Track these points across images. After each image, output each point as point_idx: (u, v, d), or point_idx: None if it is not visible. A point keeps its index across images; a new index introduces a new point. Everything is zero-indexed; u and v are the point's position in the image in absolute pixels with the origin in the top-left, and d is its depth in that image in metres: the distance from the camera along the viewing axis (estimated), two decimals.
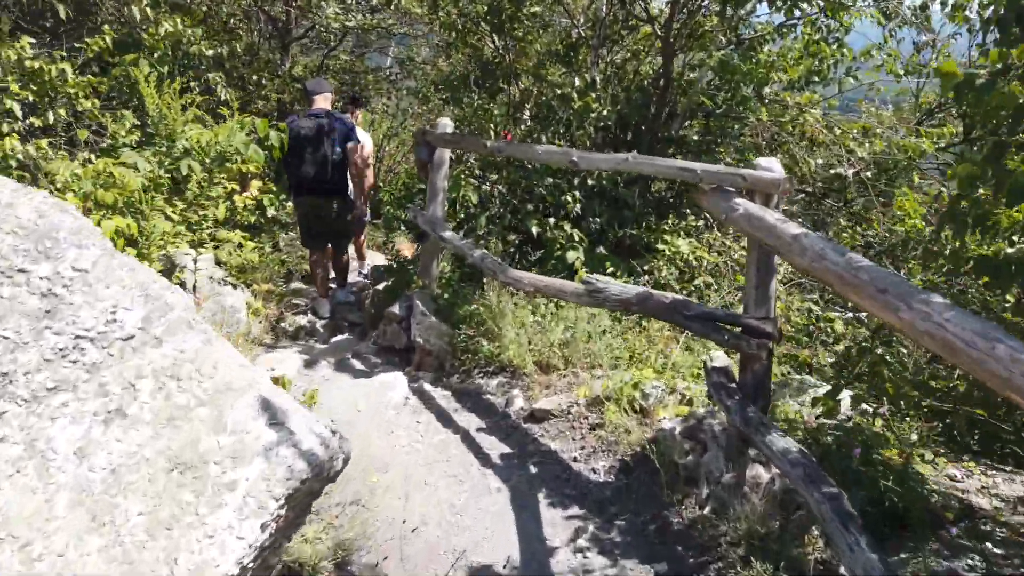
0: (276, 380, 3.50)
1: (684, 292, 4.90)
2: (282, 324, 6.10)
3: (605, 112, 5.66)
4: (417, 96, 13.03)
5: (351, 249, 6.57)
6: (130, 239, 4.33)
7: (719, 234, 5.36)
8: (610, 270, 5.29)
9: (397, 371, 4.75)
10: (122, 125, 4.58)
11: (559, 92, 5.81)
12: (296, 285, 7.88)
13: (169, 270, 4.75)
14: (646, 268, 5.20)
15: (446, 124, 4.99)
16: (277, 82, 10.14)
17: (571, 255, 5.27)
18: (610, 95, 6.11)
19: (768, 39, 6.21)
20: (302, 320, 6.77)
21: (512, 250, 5.46)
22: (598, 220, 5.53)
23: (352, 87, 11.14)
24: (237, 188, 6.97)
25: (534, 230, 5.23)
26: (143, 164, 4.84)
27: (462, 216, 5.80)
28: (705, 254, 5.01)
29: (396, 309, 5.14)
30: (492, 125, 5.79)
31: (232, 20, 8.97)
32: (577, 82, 5.69)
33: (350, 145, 5.43)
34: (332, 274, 6.57)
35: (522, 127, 6.28)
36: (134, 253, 4.29)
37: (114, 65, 5.40)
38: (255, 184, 7.16)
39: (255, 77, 9.75)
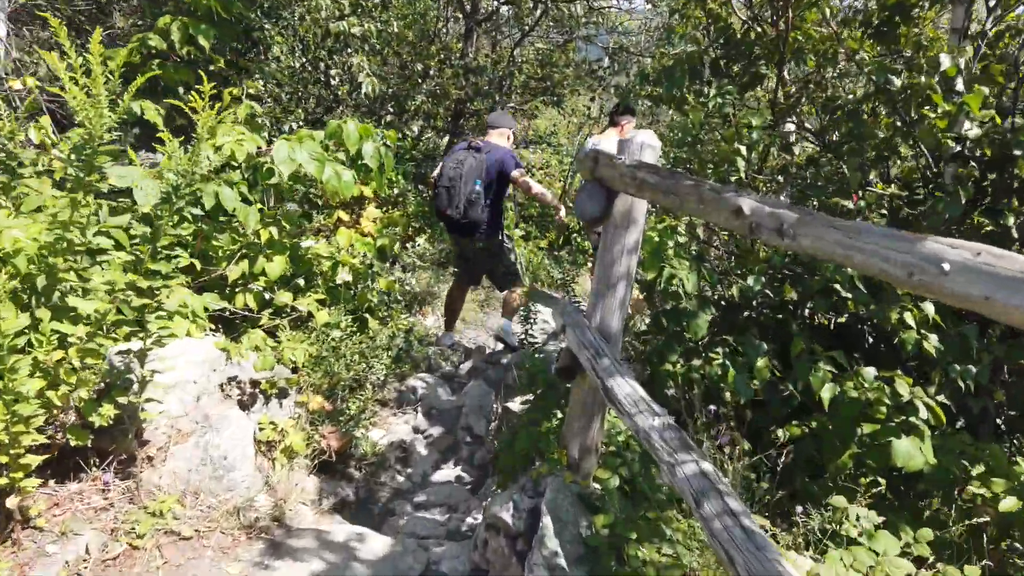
0: None
1: None
2: (359, 448, 3.82)
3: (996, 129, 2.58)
4: (626, 94, 10.34)
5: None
6: None
7: None
8: (1004, 501, 2.26)
9: None
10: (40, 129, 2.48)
11: (887, 86, 2.83)
12: (457, 344, 5.65)
13: (118, 385, 2.60)
14: None
15: (642, 141, 2.29)
16: (449, 73, 8.05)
17: (902, 447, 2.32)
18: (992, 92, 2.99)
19: None
20: (402, 427, 4.48)
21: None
22: (970, 371, 2.48)
23: (543, 82, 8.75)
24: (344, 219, 4.87)
25: (825, 395, 2.35)
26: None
27: (663, 314, 3.06)
28: None
29: (506, 514, 2.55)
30: (743, 149, 2.92)
31: None
32: (945, 62, 2.65)
33: (515, 174, 4.68)
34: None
35: (793, 153, 3.36)
36: (12, 363, 2.17)
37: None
38: (372, 215, 5.00)
39: (420, 66, 7.73)
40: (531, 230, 9.43)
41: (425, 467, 4.07)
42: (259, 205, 3.65)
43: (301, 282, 4.03)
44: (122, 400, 2.51)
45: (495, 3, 9.12)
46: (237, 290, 3.66)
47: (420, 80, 7.86)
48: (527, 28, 9.34)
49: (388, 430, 4.36)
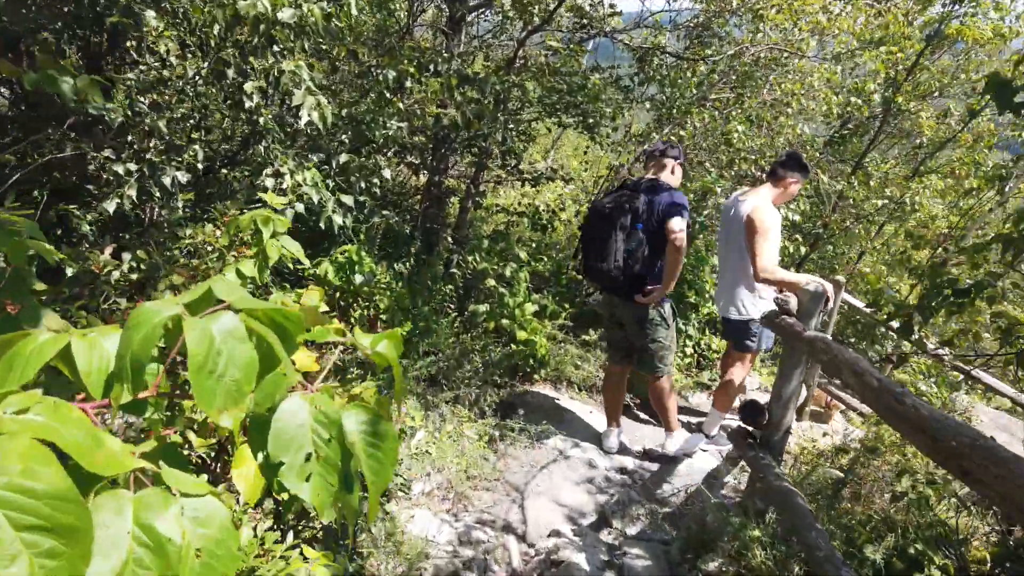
0: None
1: None
2: None
3: None
4: (665, 110, 7.70)
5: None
6: None
7: None
8: None
9: None
10: None
11: None
12: None
13: None
14: None
15: None
16: (436, 84, 5.26)
17: None
18: None
19: None
20: None
21: None
22: None
23: (570, 96, 6.02)
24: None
25: None
26: None
27: None
28: None
29: None
30: None
31: None
32: None
33: (672, 224, 3.66)
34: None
35: None
36: None
37: None
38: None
39: (392, 74, 4.92)
40: (548, 302, 6.60)
41: None
42: None
43: None
44: None
45: None
46: None
47: (392, 95, 5.04)
48: (534, 21, 6.62)
49: None
